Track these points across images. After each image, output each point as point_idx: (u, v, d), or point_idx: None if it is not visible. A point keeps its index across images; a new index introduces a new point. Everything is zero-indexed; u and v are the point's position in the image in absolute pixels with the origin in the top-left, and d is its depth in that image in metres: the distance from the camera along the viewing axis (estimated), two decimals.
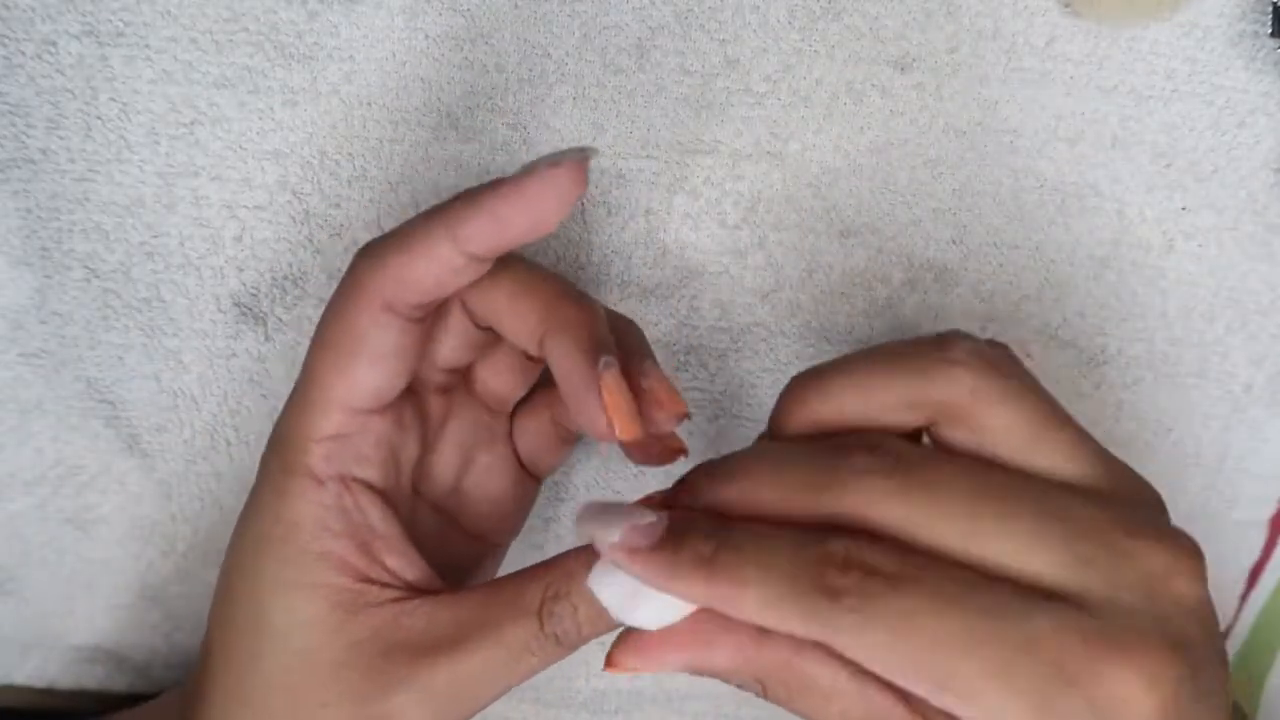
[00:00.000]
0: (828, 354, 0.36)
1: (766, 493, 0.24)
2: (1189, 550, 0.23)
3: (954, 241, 0.35)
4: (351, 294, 0.27)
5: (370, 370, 0.27)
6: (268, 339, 0.36)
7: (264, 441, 0.29)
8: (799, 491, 0.24)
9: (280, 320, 0.36)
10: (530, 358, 0.32)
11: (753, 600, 0.23)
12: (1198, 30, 0.34)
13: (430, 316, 0.29)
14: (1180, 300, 0.36)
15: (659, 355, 0.36)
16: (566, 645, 0.27)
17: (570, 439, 0.33)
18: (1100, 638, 0.21)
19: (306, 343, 0.28)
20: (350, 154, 0.35)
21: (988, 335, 0.36)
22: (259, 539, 0.28)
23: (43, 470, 0.37)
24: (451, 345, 0.30)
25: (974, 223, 0.35)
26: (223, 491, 0.38)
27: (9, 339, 0.36)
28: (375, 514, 0.28)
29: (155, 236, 0.35)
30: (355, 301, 0.27)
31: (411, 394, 0.30)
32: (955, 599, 0.22)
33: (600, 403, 0.26)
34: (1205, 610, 0.23)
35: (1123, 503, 0.24)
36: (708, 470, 0.26)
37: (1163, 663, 0.21)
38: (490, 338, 0.30)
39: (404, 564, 0.28)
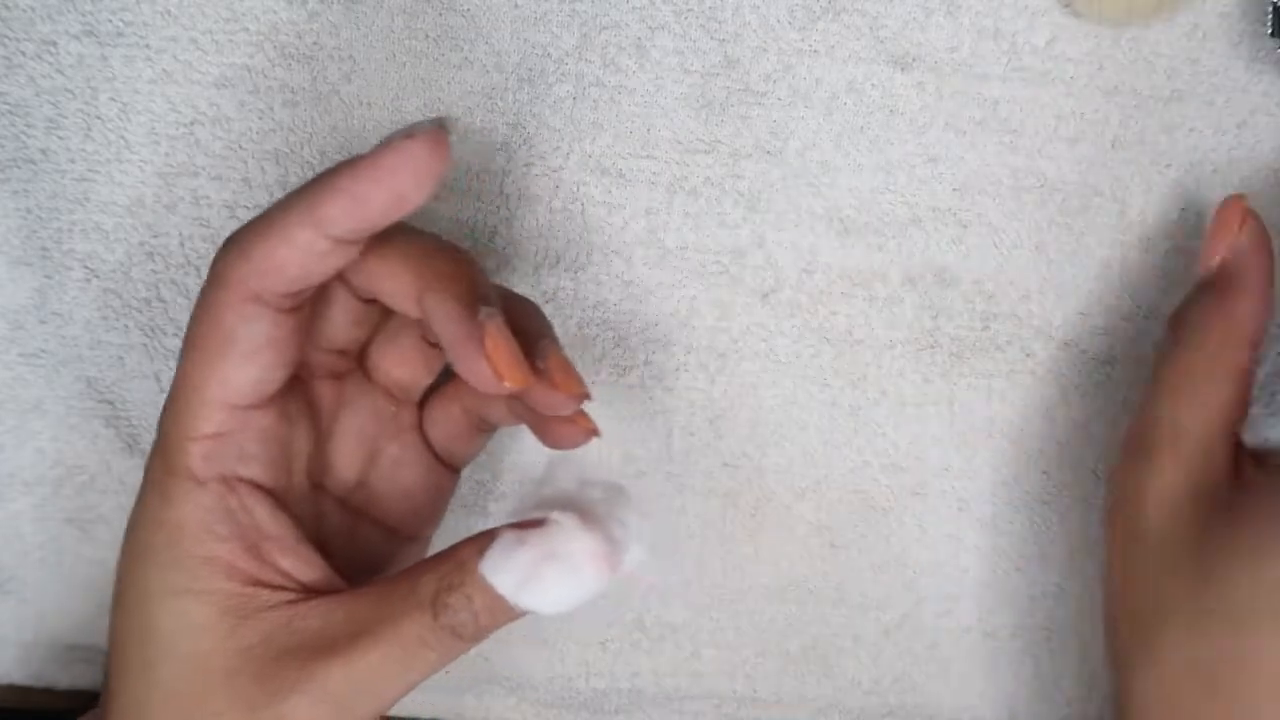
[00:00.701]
0: (827, 354, 0.36)
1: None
2: None
3: (954, 241, 0.35)
4: (215, 288, 0.26)
5: (242, 366, 0.26)
6: None
7: None
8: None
9: None
10: (432, 345, 0.31)
11: None
12: (1198, 31, 0.34)
13: (308, 305, 0.28)
14: (1181, 300, 0.36)
15: (657, 356, 0.36)
16: (465, 638, 0.26)
17: (485, 427, 0.32)
18: None
19: None
20: (350, 154, 0.35)
21: (988, 334, 0.36)
22: (144, 546, 0.27)
23: (43, 470, 0.37)
24: (336, 322, 0.29)
25: (974, 223, 0.35)
26: None
27: (9, 339, 0.36)
28: (263, 514, 0.27)
29: (155, 236, 0.35)
30: (219, 295, 0.26)
31: (298, 383, 0.29)
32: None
33: (482, 351, 0.25)
34: None
35: None
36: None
37: None
38: (378, 312, 0.29)
39: (298, 564, 0.27)
